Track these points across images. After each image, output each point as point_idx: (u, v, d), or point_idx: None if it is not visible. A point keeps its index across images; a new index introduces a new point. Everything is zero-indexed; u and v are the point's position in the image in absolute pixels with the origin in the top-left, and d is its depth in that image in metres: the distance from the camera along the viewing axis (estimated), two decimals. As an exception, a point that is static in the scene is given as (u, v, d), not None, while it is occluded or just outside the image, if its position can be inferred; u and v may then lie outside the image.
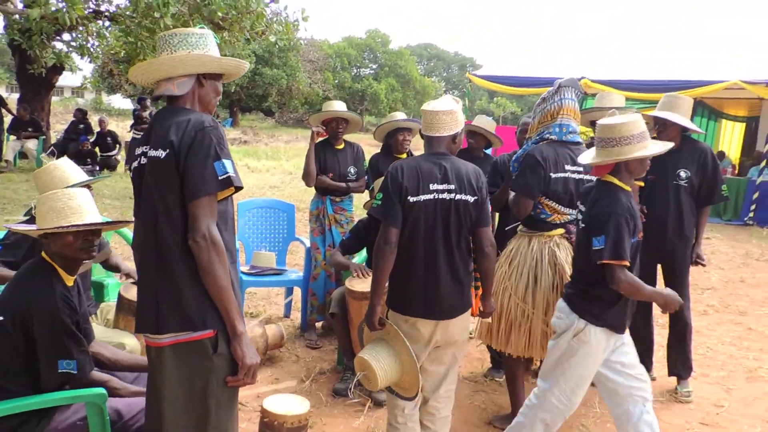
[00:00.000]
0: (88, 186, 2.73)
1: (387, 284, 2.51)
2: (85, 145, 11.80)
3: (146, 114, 12.76)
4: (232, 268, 1.82)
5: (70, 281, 2.18)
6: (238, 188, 1.81)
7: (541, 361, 3.46)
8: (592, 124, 3.98)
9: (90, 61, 13.52)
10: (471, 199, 2.43)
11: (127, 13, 8.53)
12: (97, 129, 12.65)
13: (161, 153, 1.76)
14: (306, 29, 8.52)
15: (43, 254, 2.16)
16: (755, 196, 10.75)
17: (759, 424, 3.43)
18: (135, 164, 1.86)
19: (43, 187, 2.70)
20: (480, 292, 2.69)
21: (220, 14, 8.22)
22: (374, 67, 42.28)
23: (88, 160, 11.52)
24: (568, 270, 2.94)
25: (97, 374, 2.20)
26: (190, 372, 1.77)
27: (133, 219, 1.97)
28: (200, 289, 1.75)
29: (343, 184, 4.33)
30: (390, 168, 2.50)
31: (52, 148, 11.94)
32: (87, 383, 2.15)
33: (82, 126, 12.46)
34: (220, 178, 1.75)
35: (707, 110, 15.50)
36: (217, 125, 1.82)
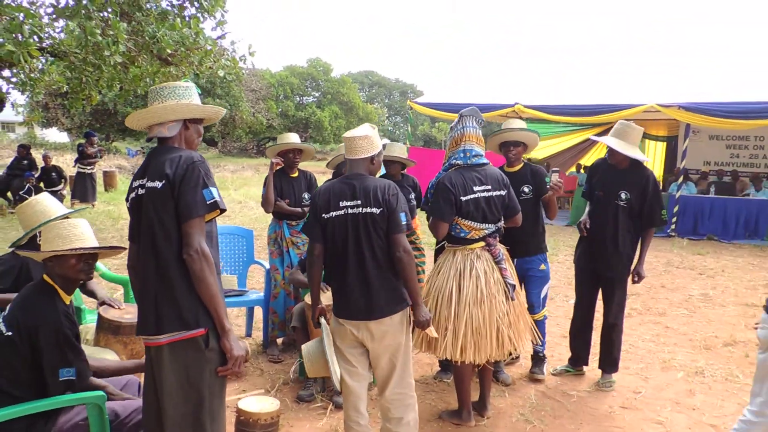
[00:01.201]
0: (65, 217, 3.03)
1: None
2: (30, 180, 11.71)
3: (93, 150, 12.76)
4: (217, 277, 2.18)
5: (68, 300, 2.48)
6: (222, 210, 2.22)
7: (498, 361, 4.01)
8: (502, 146, 4.24)
9: (30, 97, 13.37)
10: (377, 211, 2.79)
11: (74, 49, 8.64)
12: (41, 164, 12.54)
13: (158, 184, 2.13)
14: (252, 57, 8.95)
15: (45, 277, 2.45)
16: (676, 209, 11.71)
17: (669, 405, 3.98)
18: (132, 195, 2.23)
19: (27, 220, 2.98)
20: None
21: (168, 51, 8.48)
22: (317, 95, 42.83)
23: (34, 195, 11.42)
24: (483, 279, 3.35)
25: (94, 380, 2.50)
26: (186, 365, 2.12)
27: (121, 246, 2.34)
28: (193, 295, 2.11)
29: (299, 209, 4.71)
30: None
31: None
32: (86, 388, 2.45)
33: (26, 162, 12.34)
34: (208, 202, 2.14)
35: (632, 131, 16.70)
36: (204, 160, 2.21)
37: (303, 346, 3.08)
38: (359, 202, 2.81)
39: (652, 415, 3.82)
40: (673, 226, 11.62)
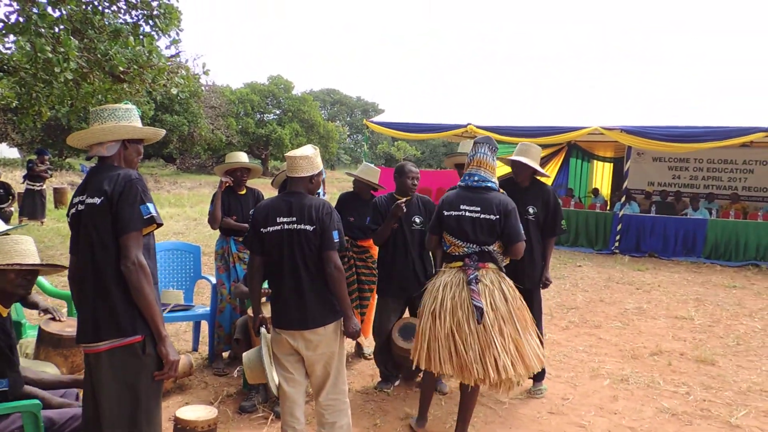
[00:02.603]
0: (5, 234, 3.11)
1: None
2: (-22, 197, 11.46)
3: (42, 167, 12.57)
4: (154, 288, 2.32)
5: (5, 312, 2.57)
6: (159, 224, 2.36)
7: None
8: (458, 166, 4.74)
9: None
10: (310, 228, 2.97)
11: (23, 65, 8.58)
12: None
13: (97, 200, 2.28)
14: (207, 76, 9.01)
15: (-19, 290, 2.54)
16: (619, 227, 12.22)
17: (593, 410, 4.23)
18: (73, 211, 2.36)
19: None
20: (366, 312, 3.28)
21: (121, 68, 8.52)
22: (278, 112, 42.79)
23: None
24: (450, 296, 3.44)
25: (28, 389, 2.58)
26: (124, 370, 2.25)
27: (62, 265, 2.46)
28: (130, 304, 2.25)
29: (246, 225, 4.84)
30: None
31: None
32: (20, 397, 2.53)
33: (-26, 178, 12.07)
34: (145, 217, 2.29)
35: (580, 152, 17.33)
36: (141, 178, 2.36)
37: (244, 354, 3.25)
38: (294, 218, 2.99)
39: (576, 419, 4.06)
40: (617, 244, 12.12)
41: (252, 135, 38.25)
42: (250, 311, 4.05)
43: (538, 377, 4.48)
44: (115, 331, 2.24)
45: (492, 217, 3.49)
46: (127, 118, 2.42)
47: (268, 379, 3.07)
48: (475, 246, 3.50)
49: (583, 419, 4.07)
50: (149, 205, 2.31)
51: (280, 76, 43.09)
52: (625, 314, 7.08)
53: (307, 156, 3.11)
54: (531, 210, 4.28)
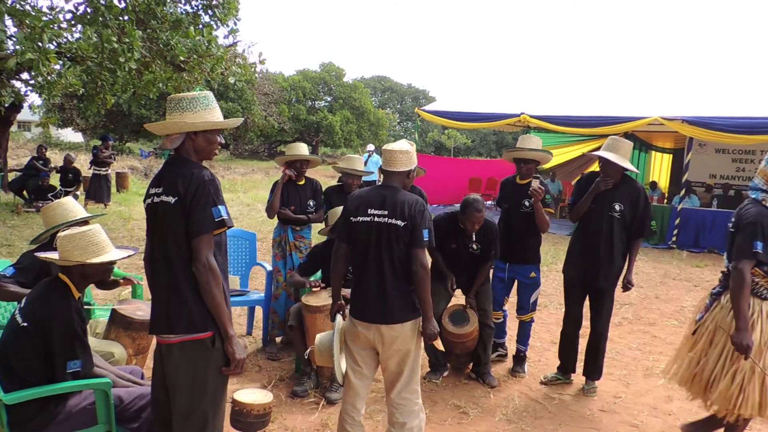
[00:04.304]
0: (86, 221, 3.30)
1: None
2: (45, 181, 12.07)
3: (106, 153, 13.10)
4: (225, 284, 2.40)
5: (78, 295, 2.72)
6: (230, 227, 2.41)
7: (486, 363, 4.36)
8: (516, 161, 4.59)
9: (47, 99, 13.66)
10: (401, 223, 2.93)
11: (90, 54, 8.93)
12: (60, 165, 12.91)
13: (171, 199, 2.33)
14: (263, 65, 9.29)
15: (60, 274, 2.70)
16: (677, 221, 11.83)
17: (646, 410, 4.16)
18: (149, 201, 2.43)
19: (49, 221, 3.27)
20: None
21: (181, 58, 8.77)
22: (329, 99, 43.15)
23: (49, 195, 11.79)
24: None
25: (98, 370, 2.74)
26: (194, 363, 2.34)
27: (132, 247, 2.59)
28: (201, 301, 2.32)
29: (304, 217, 4.95)
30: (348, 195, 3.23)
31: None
32: (90, 376, 2.69)
33: (41, 162, 12.70)
34: (216, 220, 2.33)
35: (638, 143, 16.80)
36: (214, 179, 2.38)
37: (317, 335, 3.35)
38: (386, 212, 2.98)
39: (629, 419, 4.00)
40: (674, 239, 11.74)
41: (303, 122, 38.72)
42: (303, 299, 4.14)
43: (593, 375, 4.43)
44: (188, 326, 2.33)
45: None
46: (192, 108, 2.38)
47: (334, 365, 3.13)
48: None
49: (635, 419, 4.01)
50: (220, 207, 2.35)
51: (331, 63, 43.38)
52: (682, 312, 6.88)
53: (406, 151, 3.09)
54: (617, 207, 4.11)
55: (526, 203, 4.45)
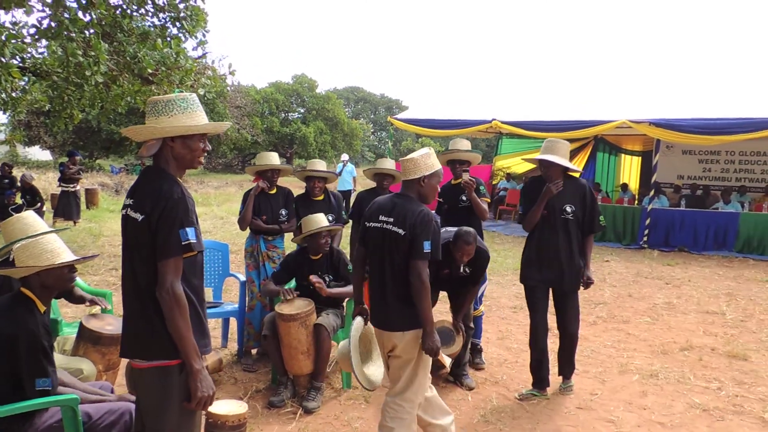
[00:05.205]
0: (42, 235, 3.21)
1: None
2: (11, 199, 11.80)
3: (74, 169, 12.87)
4: (201, 308, 2.27)
5: (43, 309, 2.65)
6: (199, 251, 2.22)
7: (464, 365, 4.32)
8: (449, 163, 4.85)
9: (12, 116, 13.34)
10: (401, 232, 2.94)
11: (56, 69, 8.77)
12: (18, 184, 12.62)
13: (138, 216, 2.17)
14: (233, 77, 9.17)
15: (23, 289, 2.62)
16: (648, 222, 12.03)
17: (622, 405, 4.20)
18: (123, 212, 2.28)
19: (8, 236, 3.17)
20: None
21: (149, 70, 8.69)
22: (302, 111, 43.09)
23: (13, 213, 11.52)
24: None
25: (62, 389, 2.68)
26: (162, 389, 2.22)
27: (93, 256, 2.52)
28: None
29: (277, 227, 4.92)
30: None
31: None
32: (57, 393, 2.61)
33: (6, 180, 12.41)
34: (183, 243, 2.13)
35: (608, 146, 17.12)
36: (184, 197, 2.18)
37: (341, 342, 3.44)
38: (392, 219, 3.02)
39: (605, 415, 4.04)
40: (645, 238, 11.94)
41: (277, 134, 38.59)
42: (277, 307, 4.10)
43: (569, 374, 4.45)
44: (157, 352, 2.19)
45: None
46: (167, 112, 2.18)
47: (354, 371, 3.10)
48: None
49: (612, 414, 4.04)
50: (188, 230, 2.15)
51: (304, 74, 43.42)
52: (655, 309, 6.99)
53: (410, 158, 3.08)
54: (568, 209, 4.13)
55: (463, 198, 4.78)
